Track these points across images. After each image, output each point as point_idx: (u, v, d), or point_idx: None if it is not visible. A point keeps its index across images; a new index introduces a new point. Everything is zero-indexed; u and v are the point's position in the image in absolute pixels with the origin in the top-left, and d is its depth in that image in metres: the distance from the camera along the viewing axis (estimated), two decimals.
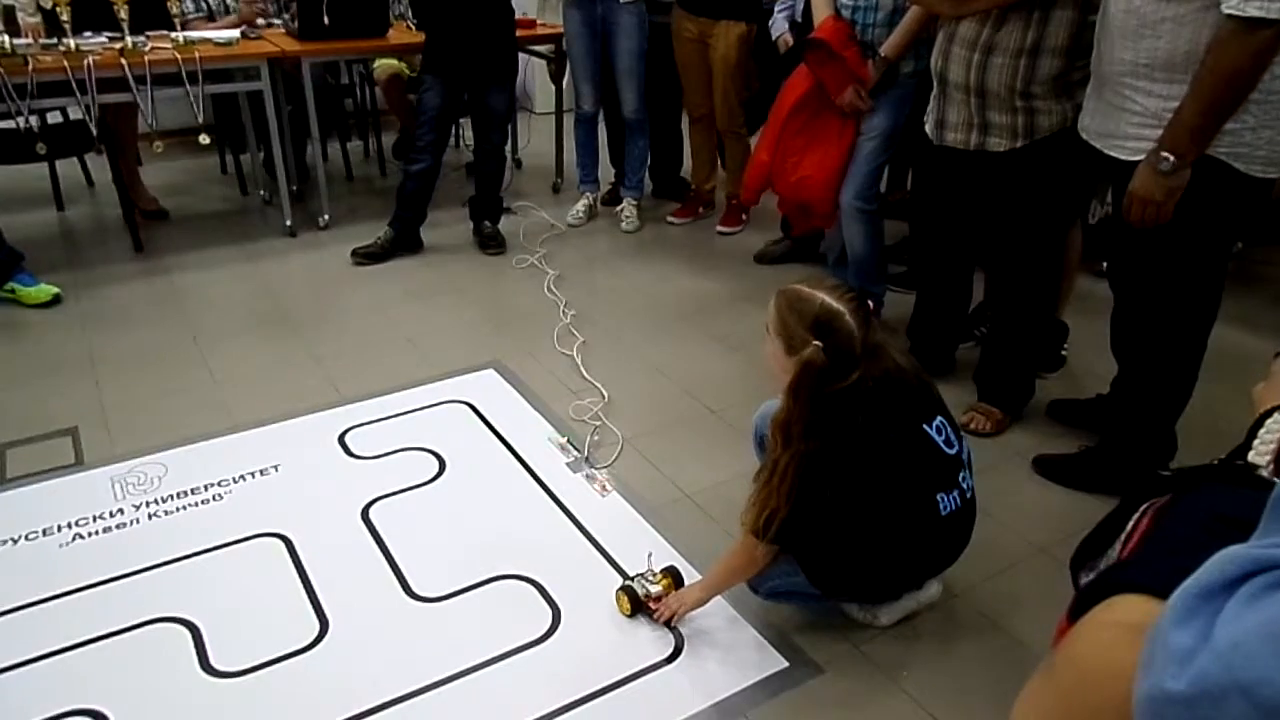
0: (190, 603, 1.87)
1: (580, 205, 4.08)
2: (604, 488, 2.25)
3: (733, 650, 1.77)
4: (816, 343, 1.54)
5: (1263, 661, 0.49)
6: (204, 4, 3.89)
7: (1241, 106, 1.71)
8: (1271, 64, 1.66)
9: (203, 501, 2.18)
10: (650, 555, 1.90)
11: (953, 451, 1.66)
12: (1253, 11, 1.58)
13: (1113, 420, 2.27)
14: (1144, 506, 0.92)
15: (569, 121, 4.16)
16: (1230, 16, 1.61)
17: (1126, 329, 2.12)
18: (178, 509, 2.15)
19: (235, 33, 3.56)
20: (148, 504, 2.16)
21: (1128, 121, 1.88)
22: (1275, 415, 0.92)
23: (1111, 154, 1.94)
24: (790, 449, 1.54)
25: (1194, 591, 0.56)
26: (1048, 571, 1.99)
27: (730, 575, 1.74)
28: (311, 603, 1.87)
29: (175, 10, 3.41)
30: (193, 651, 1.75)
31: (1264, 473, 0.89)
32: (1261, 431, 0.92)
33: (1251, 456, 0.90)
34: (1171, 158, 1.76)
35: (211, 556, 2.00)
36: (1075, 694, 0.78)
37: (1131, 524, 0.91)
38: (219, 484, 2.24)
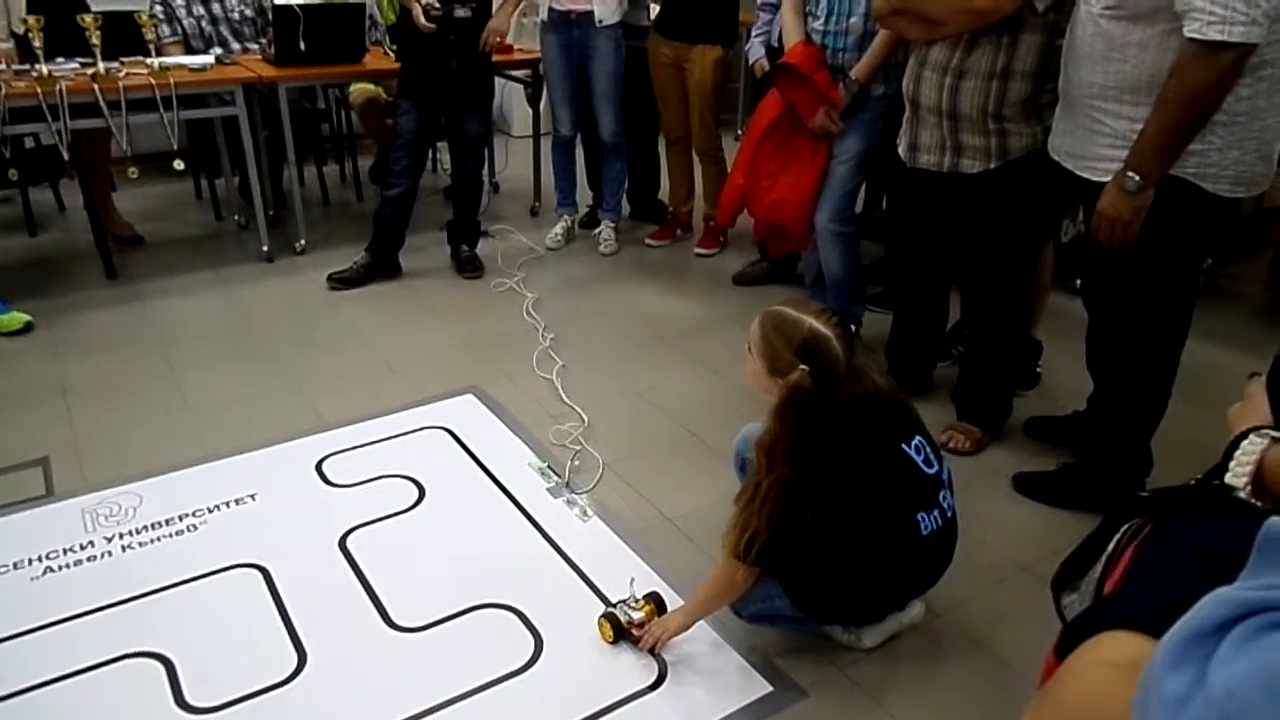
0: (164, 636, 1.83)
1: (558, 228, 4.08)
2: (585, 513, 2.24)
3: (716, 676, 1.75)
4: (804, 367, 1.54)
5: (1257, 709, 0.49)
6: (179, 29, 3.87)
7: (1207, 128, 1.75)
8: (1235, 86, 1.70)
9: (177, 532, 2.14)
10: (633, 581, 1.89)
11: (932, 471, 1.67)
12: (1214, 35, 1.62)
13: (1090, 437, 2.29)
14: (1124, 528, 0.93)
15: (546, 145, 4.17)
16: (1193, 40, 1.65)
17: (1100, 346, 2.15)
18: (152, 540, 2.11)
19: (209, 58, 3.55)
20: (121, 535, 2.12)
21: (1097, 143, 1.91)
22: (1251, 437, 0.93)
23: (1082, 175, 1.97)
24: (774, 473, 1.54)
25: (1185, 635, 0.56)
26: (1029, 589, 1.99)
27: (713, 600, 1.73)
28: (289, 635, 1.84)
29: (150, 36, 3.40)
30: (167, 687, 1.71)
31: (1242, 494, 0.90)
32: (1238, 453, 0.92)
33: (1229, 478, 0.91)
34: (1137, 177, 1.79)
35: (186, 589, 1.97)
36: None
37: (1112, 547, 0.92)
38: (194, 514, 2.21)
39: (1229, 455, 0.93)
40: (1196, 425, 2.02)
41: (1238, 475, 0.90)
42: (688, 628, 1.77)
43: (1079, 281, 2.41)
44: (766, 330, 1.62)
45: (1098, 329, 2.13)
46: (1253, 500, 0.89)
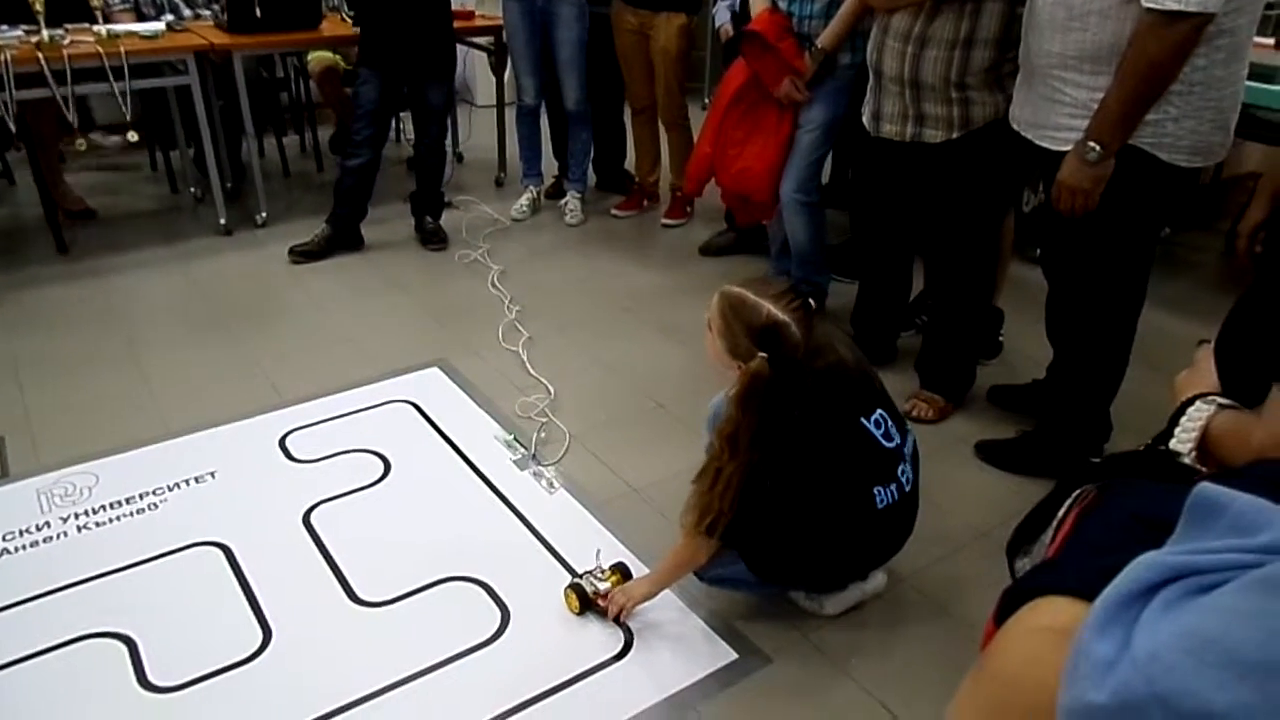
0: (125, 617, 1.81)
1: (524, 199, 4.04)
2: (552, 485, 2.24)
3: (682, 643, 1.77)
4: (763, 354, 1.53)
5: (1181, 672, 0.50)
6: None
7: (1163, 98, 1.76)
8: (1192, 56, 1.71)
9: (137, 511, 2.11)
10: (599, 552, 1.89)
11: (891, 445, 1.67)
12: (1171, 5, 1.62)
13: (1049, 404, 2.32)
14: (1074, 495, 0.94)
15: (511, 114, 4.11)
16: (1150, 10, 1.65)
17: (1059, 314, 2.17)
18: (110, 520, 2.08)
19: (160, 25, 3.45)
20: (77, 515, 2.09)
21: (1057, 112, 1.92)
22: (1197, 404, 0.94)
23: (1042, 144, 1.98)
24: (737, 459, 1.54)
25: (1113, 600, 0.57)
26: (991, 554, 2.03)
27: (676, 570, 1.75)
28: (253, 612, 1.83)
29: (96, 2, 3.29)
30: (129, 667, 1.70)
31: (1186, 460, 0.91)
32: (1183, 419, 0.94)
33: (1174, 444, 0.92)
34: (1097, 147, 1.81)
35: (147, 568, 1.94)
36: (1003, 702, 0.79)
37: (1062, 513, 0.93)
38: (153, 493, 2.17)
39: (1174, 421, 0.95)
40: (1154, 392, 2.05)
41: (1183, 441, 0.92)
42: (652, 596, 1.79)
43: (1039, 251, 2.43)
44: (725, 312, 1.61)
45: (1057, 298, 2.16)
46: (1197, 465, 0.91)
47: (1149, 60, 1.69)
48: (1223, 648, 0.49)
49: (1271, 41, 3.00)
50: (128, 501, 2.14)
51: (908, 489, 1.71)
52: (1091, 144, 1.81)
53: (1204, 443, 0.92)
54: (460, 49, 3.77)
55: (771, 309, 1.56)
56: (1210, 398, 0.95)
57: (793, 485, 1.60)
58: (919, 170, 2.36)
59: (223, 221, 3.70)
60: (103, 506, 2.12)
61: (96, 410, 2.51)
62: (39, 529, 2.04)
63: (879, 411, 1.67)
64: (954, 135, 2.26)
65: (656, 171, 4.10)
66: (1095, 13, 1.78)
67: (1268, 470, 0.72)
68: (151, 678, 1.68)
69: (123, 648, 1.74)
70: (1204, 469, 0.91)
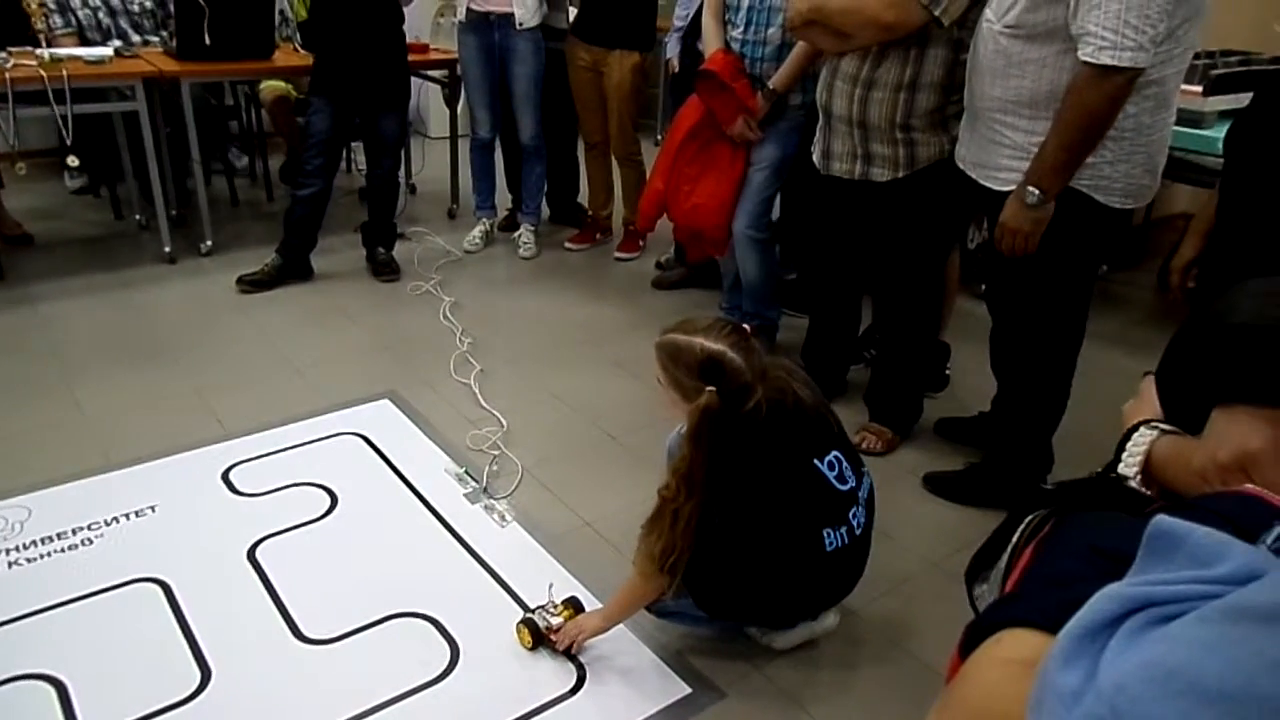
0: (55, 657, 1.73)
1: (477, 231, 4.04)
2: (503, 518, 2.21)
3: (635, 677, 1.75)
4: (710, 388, 1.53)
5: (1145, 702, 0.51)
6: (73, 19, 3.69)
7: (1099, 144, 1.84)
8: (1125, 105, 1.79)
9: (70, 547, 2.03)
10: (551, 586, 1.87)
11: (845, 488, 1.67)
12: (1106, 60, 1.70)
13: (995, 436, 2.37)
14: (1027, 519, 0.96)
15: (464, 146, 4.12)
16: (1086, 63, 1.73)
17: (1004, 348, 2.23)
18: (41, 556, 2.00)
19: (108, 50, 3.39)
20: (7, 551, 2.00)
21: (999, 154, 1.99)
22: (1141, 429, 0.98)
23: (986, 184, 2.04)
24: (694, 499, 1.53)
25: (1077, 632, 0.58)
26: (940, 585, 2.05)
27: (629, 606, 1.73)
28: (192, 651, 1.77)
29: (40, 26, 3.23)
30: (59, 710, 1.62)
31: (1133, 483, 0.94)
32: (1129, 445, 0.97)
33: (1121, 468, 0.96)
34: (1037, 191, 1.87)
35: (80, 606, 1.87)
36: None
37: (1016, 538, 0.95)
38: (89, 527, 2.10)
39: (1121, 447, 0.98)
40: (1092, 424, 2.11)
41: (1129, 465, 0.95)
42: (604, 631, 1.77)
43: (984, 286, 2.50)
44: (665, 363, 1.60)
45: (1001, 332, 2.22)
46: (1142, 489, 0.94)
47: (1086, 110, 1.77)
48: (1185, 677, 0.50)
49: (1199, 89, 3.15)
50: (60, 537, 2.06)
51: (859, 532, 1.70)
52: (1031, 188, 1.88)
53: (1148, 466, 0.95)
54: (414, 81, 3.77)
55: (704, 343, 1.56)
56: (1154, 424, 0.98)
57: (740, 523, 1.59)
58: (867, 208, 2.41)
59: (167, 249, 3.63)
60: (34, 541, 2.04)
61: (29, 441, 2.42)
62: None
63: (834, 453, 1.67)
64: (900, 174, 2.32)
65: (610, 205, 4.13)
66: (1033, 61, 1.86)
67: (1220, 503, 0.75)
68: None
69: (51, 690, 1.66)
70: (1149, 492, 0.94)
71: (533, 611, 1.82)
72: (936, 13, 2.09)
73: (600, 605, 1.84)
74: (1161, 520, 0.63)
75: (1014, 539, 0.95)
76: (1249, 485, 0.74)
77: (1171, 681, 0.50)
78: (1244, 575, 0.56)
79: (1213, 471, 0.75)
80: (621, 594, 1.73)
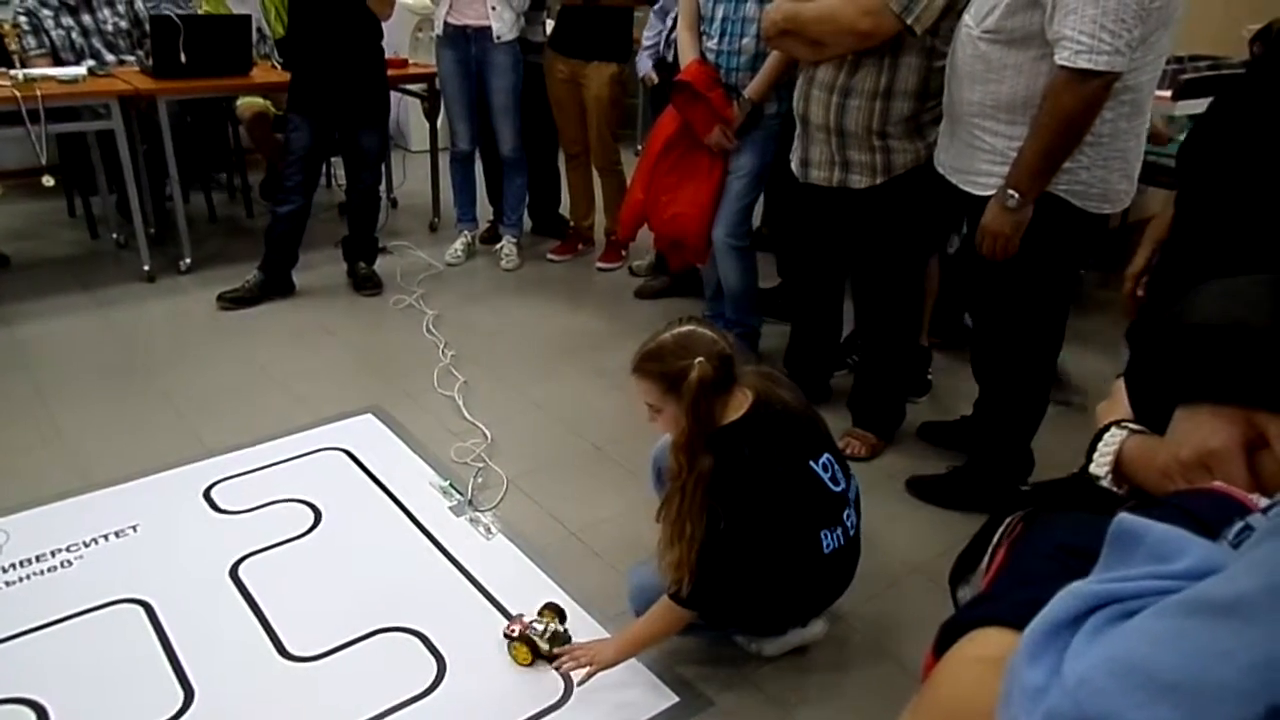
0: (36, 682, 1.71)
1: (459, 244, 4.04)
2: (489, 530, 2.21)
3: (622, 688, 1.75)
4: (699, 359, 1.53)
5: (1107, 695, 0.52)
6: (46, 40, 3.67)
7: (1077, 148, 1.86)
8: (1101, 110, 1.81)
9: (50, 569, 2.01)
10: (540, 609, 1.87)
11: (838, 489, 1.68)
12: (1083, 64, 1.73)
13: (976, 440, 2.39)
14: (1005, 523, 0.98)
15: (445, 160, 4.12)
16: (1063, 68, 1.75)
17: (984, 352, 2.25)
18: (20, 579, 1.98)
19: (82, 70, 3.38)
20: None
21: (978, 159, 2.01)
22: (1112, 429, 0.99)
23: (965, 189, 2.06)
24: (695, 469, 1.53)
25: (1043, 629, 0.59)
26: (924, 590, 2.06)
27: (653, 637, 1.69)
28: (175, 671, 1.75)
29: (14, 47, 3.21)
30: None
31: (1105, 483, 0.96)
32: (1100, 445, 0.99)
33: (1092, 468, 0.97)
34: (1016, 195, 1.89)
35: (60, 628, 1.85)
36: None
37: (995, 540, 0.97)
38: (68, 549, 2.08)
39: (1093, 448, 1.00)
40: (1072, 426, 2.14)
41: (1100, 465, 0.97)
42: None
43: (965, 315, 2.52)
44: (647, 370, 1.59)
45: (981, 336, 2.23)
46: (1114, 487, 0.96)
47: (1064, 114, 1.79)
48: (1144, 670, 0.52)
49: (1168, 94, 3.20)
50: (39, 559, 2.04)
51: (852, 533, 1.72)
52: (1011, 191, 1.90)
53: (1119, 466, 0.97)
54: (393, 95, 3.77)
55: (669, 333, 1.60)
56: (1124, 423, 1.00)
57: (741, 526, 1.58)
58: (846, 215, 2.43)
59: (146, 268, 3.60)
60: (13, 565, 2.02)
61: (5, 464, 2.39)
62: None
63: (826, 455, 1.68)
64: (878, 181, 2.34)
65: (591, 216, 4.14)
66: (1010, 66, 1.89)
67: (1189, 501, 0.76)
68: None
69: (32, 715, 1.64)
70: (1120, 490, 0.96)
71: (516, 619, 1.81)
72: (909, 21, 2.11)
73: (585, 614, 1.83)
74: (1123, 519, 0.64)
75: (993, 542, 0.96)
76: (1217, 483, 0.75)
77: (1131, 675, 0.52)
78: (1201, 570, 0.57)
79: (1176, 470, 0.77)
80: (645, 622, 1.68)
